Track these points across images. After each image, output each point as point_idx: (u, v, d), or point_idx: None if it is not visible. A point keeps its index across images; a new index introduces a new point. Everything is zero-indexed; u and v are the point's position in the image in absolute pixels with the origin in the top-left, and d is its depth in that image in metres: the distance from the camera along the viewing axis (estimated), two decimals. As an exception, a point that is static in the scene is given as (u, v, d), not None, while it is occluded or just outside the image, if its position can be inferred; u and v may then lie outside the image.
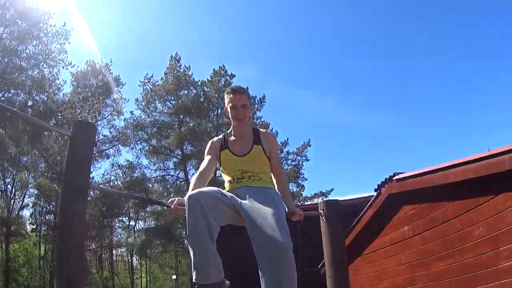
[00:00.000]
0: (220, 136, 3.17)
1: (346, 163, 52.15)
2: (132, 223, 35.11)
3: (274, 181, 3.08)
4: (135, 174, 29.68)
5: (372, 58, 46.96)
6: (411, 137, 50.63)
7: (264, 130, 3.18)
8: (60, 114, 21.20)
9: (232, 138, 3.08)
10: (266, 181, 2.93)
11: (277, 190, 2.98)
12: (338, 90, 50.60)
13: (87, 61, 27.26)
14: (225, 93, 3.08)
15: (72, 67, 23.56)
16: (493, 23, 42.85)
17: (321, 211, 4.15)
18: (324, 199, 27.34)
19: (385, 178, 6.01)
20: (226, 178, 2.99)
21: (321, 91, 48.91)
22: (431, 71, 46.55)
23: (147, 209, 31.48)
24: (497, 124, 46.99)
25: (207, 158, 3.06)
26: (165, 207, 2.95)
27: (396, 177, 5.70)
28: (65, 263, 2.45)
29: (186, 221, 2.46)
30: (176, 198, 2.71)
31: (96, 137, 3.14)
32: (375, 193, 6.43)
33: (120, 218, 33.75)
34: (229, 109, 3.00)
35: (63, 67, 22.41)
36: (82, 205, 2.62)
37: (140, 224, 35.33)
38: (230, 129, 3.15)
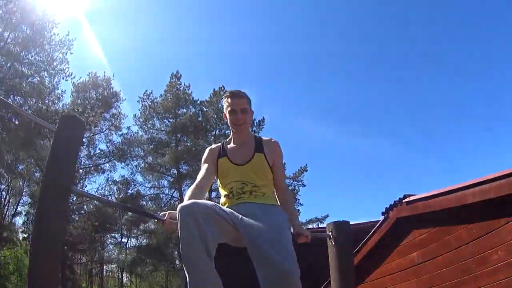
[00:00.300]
0: (219, 144, 2.88)
1: (341, 190, 51.74)
2: (124, 240, 34.69)
3: (277, 196, 2.75)
4: (130, 191, 29.39)
5: (372, 84, 46.93)
6: (408, 165, 50.26)
7: (268, 137, 2.87)
8: (54, 123, 20.92)
9: (232, 145, 2.79)
10: (269, 197, 2.64)
11: (281, 208, 2.66)
12: (337, 116, 50.46)
13: (89, 73, 27.20)
14: (223, 97, 2.82)
15: (72, 78, 23.47)
16: (488, 48, 42.79)
17: (330, 233, 3.85)
18: (319, 225, 26.90)
19: (394, 201, 5.73)
20: (223, 191, 2.69)
21: (320, 116, 48.72)
22: (430, 97, 46.42)
23: (140, 227, 31.12)
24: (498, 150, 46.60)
25: (204, 167, 2.77)
26: (157, 222, 2.58)
27: (407, 199, 5.42)
28: (38, 269, 2.16)
29: (179, 236, 2.16)
30: (168, 212, 2.44)
31: (84, 134, 2.84)
32: (382, 217, 6.10)
33: (113, 234, 33.30)
34: (227, 114, 2.74)
35: (63, 78, 22.26)
36: (62, 206, 2.30)
37: (132, 242, 34.86)
38: (230, 136, 2.86)
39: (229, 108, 2.70)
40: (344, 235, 3.88)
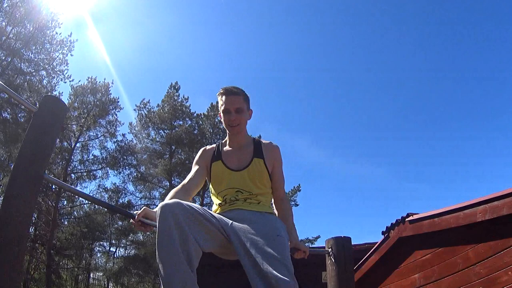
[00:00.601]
0: (214, 145, 2.59)
1: (334, 212, 51.12)
2: (112, 249, 34.06)
3: (274, 206, 2.49)
4: (121, 200, 28.84)
5: (370, 110, 46.88)
6: (400, 191, 49.90)
7: (268, 141, 2.58)
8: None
9: (228, 148, 2.51)
10: (266, 206, 2.36)
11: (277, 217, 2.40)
12: (332, 139, 50.19)
13: (88, 77, 26.89)
14: (217, 95, 2.49)
15: (71, 81, 23.27)
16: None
17: (329, 249, 3.60)
18: (309, 246, 26.60)
19: (396, 220, 5.49)
20: (216, 200, 2.41)
21: (315, 138, 48.38)
22: (426, 123, 46.34)
23: (129, 237, 30.57)
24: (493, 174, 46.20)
25: (194, 168, 2.47)
26: (133, 224, 2.14)
27: (410, 218, 5.16)
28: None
29: (156, 239, 1.81)
30: (143, 208, 2.06)
31: (64, 119, 2.55)
32: (382, 237, 5.83)
33: (101, 242, 32.67)
34: (222, 114, 2.44)
35: (62, 80, 22.07)
36: (31, 197, 2.01)
37: (120, 251, 34.24)
38: (226, 138, 2.58)
39: (222, 107, 2.41)
40: (345, 251, 3.59)
